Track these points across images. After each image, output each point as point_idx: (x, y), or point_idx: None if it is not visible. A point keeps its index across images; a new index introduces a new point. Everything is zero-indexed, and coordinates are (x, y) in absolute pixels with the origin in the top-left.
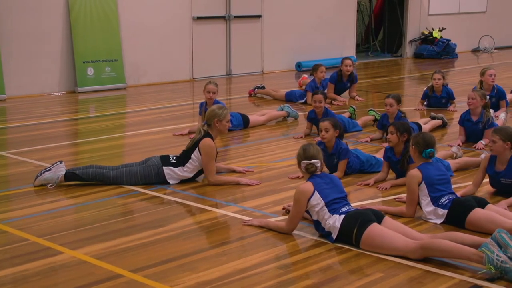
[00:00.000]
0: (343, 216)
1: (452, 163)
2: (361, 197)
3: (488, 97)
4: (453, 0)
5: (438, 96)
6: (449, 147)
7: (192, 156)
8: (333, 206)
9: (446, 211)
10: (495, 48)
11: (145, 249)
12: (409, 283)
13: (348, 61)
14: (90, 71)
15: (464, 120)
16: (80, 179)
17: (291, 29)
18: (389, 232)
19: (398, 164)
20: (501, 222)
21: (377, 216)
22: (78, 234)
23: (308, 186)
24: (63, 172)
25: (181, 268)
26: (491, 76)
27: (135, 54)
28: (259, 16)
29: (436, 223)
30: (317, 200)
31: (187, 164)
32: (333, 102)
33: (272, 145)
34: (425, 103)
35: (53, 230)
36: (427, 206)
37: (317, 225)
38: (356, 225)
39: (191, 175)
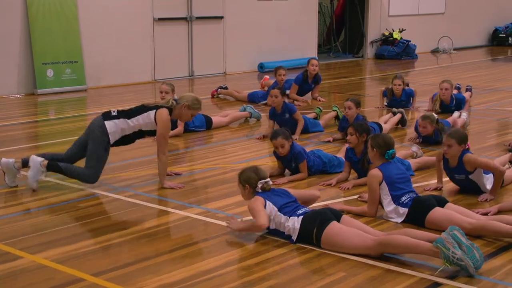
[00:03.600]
0: (301, 217)
1: (413, 162)
2: (324, 197)
3: (438, 121)
4: (412, 2)
5: (398, 99)
6: (409, 146)
7: (145, 114)
8: (285, 209)
9: (406, 209)
10: (454, 49)
11: (107, 252)
12: (370, 282)
13: (314, 61)
14: (50, 72)
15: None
16: (59, 172)
17: (253, 30)
18: (348, 229)
19: (359, 163)
20: (460, 221)
21: (335, 215)
22: (38, 238)
23: (258, 199)
24: (41, 159)
25: (144, 271)
26: (442, 90)
27: (95, 56)
28: (221, 17)
29: (397, 222)
30: (270, 209)
31: (134, 118)
32: (295, 102)
33: (235, 146)
34: (385, 104)
35: (13, 235)
36: (388, 205)
37: (276, 232)
38: (315, 225)
39: (130, 131)
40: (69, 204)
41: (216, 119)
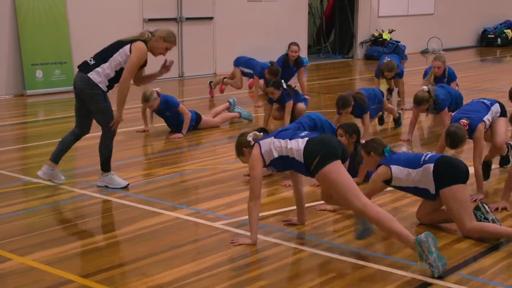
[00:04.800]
0: (306, 139)
1: None
2: (316, 197)
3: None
4: (402, 3)
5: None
6: (399, 147)
7: (121, 50)
8: (282, 135)
9: (432, 164)
10: (443, 50)
11: (96, 254)
12: (361, 282)
13: (295, 47)
14: (39, 73)
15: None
16: (64, 152)
17: (243, 31)
18: (349, 178)
19: (349, 164)
20: (464, 220)
21: (343, 153)
22: (28, 240)
23: (255, 150)
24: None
25: (134, 273)
26: (435, 68)
27: (85, 57)
28: (211, 18)
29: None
30: (266, 145)
31: (111, 59)
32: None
33: (225, 147)
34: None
35: (2, 237)
36: (416, 175)
37: (284, 160)
38: (319, 153)
39: (113, 73)
40: (59, 206)
41: (205, 118)
